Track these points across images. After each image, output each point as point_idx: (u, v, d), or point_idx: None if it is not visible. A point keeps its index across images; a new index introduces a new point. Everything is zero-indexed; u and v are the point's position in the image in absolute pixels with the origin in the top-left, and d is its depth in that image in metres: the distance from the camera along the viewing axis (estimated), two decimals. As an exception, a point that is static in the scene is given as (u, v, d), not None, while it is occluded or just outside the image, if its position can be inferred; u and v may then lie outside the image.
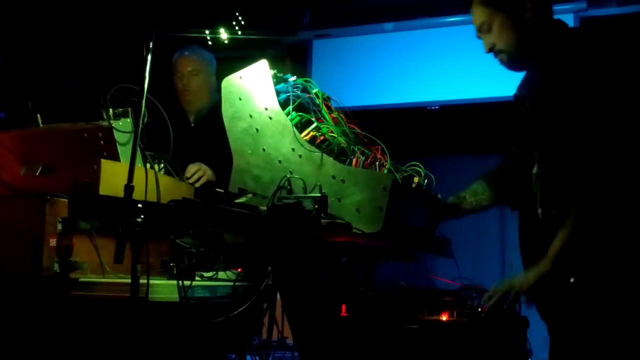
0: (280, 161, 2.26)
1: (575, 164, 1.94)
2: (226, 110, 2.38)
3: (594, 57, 2.03)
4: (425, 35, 5.72)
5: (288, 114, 2.28)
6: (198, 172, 3.14)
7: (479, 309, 2.18)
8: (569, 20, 5.24)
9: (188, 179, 3.05)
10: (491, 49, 2.21)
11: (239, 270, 2.44)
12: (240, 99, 2.36)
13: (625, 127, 1.93)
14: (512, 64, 2.21)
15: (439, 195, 2.48)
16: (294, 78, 2.37)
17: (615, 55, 2.02)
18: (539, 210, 2.05)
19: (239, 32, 5.71)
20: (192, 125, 3.58)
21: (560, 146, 1.98)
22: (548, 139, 2.03)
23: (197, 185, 3.05)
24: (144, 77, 2.03)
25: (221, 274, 2.44)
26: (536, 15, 2.13)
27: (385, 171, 2.20)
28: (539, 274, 2.01)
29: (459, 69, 5.35)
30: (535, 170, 2.08)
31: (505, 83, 2.36)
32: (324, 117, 2.30)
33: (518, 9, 2.13)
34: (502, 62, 2.22)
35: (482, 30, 2.20)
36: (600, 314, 1.95)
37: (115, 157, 2.30)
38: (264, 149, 2.30)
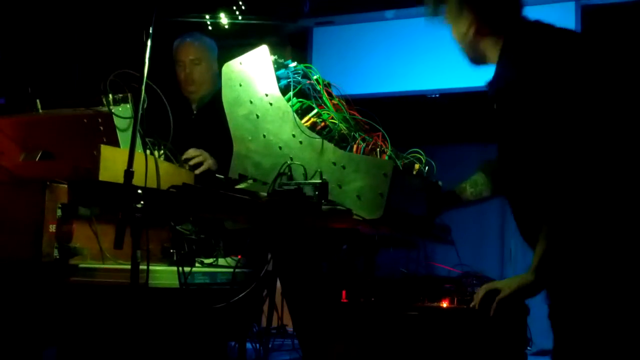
0: (280, 147, 2.26)
1: (538, 176, 1.94)
2: (226, 96, 2.37)
3: (545, 61, 1.97)
4: (426, 24, 5.69)
5: (289, 100, 2.27)
6: (198, 157, 3.11)
7: (475, 296, 2.17)
8: (571, 9, 5.22)
9: (188, 160, 3.03)
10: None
11: (239, 257, 2.44)
12: (240, 85, 2.35)
13: (581, 133, 1.91)
14: (470, 62, 2.24)
15: (440, 183, 2.47)
16: (294, 64, 2.36)
17: (564, 58, 1.96)
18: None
19: (240, 18, 5.68)
20: (194, 112, 3.55)
21: (520, 156, 1.99)
22: (508, 147, 2.06)
23: (196, 172, 3.03)
24: (144, 62, 2.02)
25: (221, 261, 2.44)
26: (482, 30, 2.10)
27: (386, 158, 2.20)
28: (522, 283, 2.02)
29: (459, 57, 5.34)
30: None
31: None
32: (325, 104, 2.29)
33: (465, 26, 2.12)
34: None
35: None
36: (588, 318, 1.96)
37: (115, 143, 2.30)
38: (264, 135, 2.29)
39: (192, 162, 3.04)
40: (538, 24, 2.09)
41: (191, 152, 3.11)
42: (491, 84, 2.12)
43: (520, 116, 1.95)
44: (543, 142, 1.90)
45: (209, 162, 3.14)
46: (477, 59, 2.19)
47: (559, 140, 1.88)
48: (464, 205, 2.53)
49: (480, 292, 2.10)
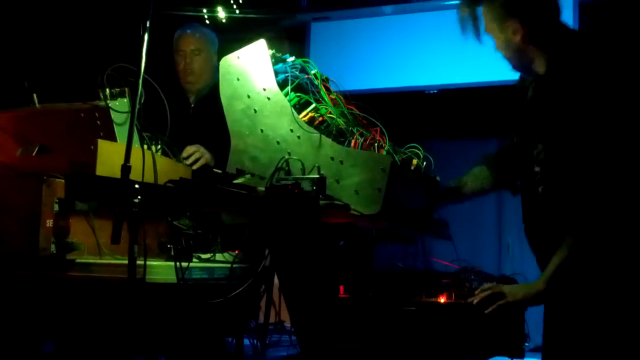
0: (278, 142, 2.25)
1: (571, 185, 1.94)
2: (224, 91, 2.37)
3: (589, 71, 2.02)
4: (424, 19, 5.69)
5: (286, 94, 2.26)
6: (195, 153, 3.10)
7: (476, 292, 2.18)
8: (569, 5, 5.22)
9: (185, 159, 3.02)
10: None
11: (237, 252, 2.44)
12: (238, 79, 2.34)
13: (620, 145, 1.92)
14: (514, 69, 2.25)
15: (438, 178, 2.47)
16: (292, 58, 2.35)
17: (611, 69, 2.01)
18: (540, 189, 2.05)
19: (237, 12, 5.67)
20: (192, 105, 3.54)
21: (557, 160, 2.00)
22: (546, 147, 2.06)
23: (194, 167, 3.03)
24: (141, 56, 2.01)
25: (219, 256, 2.44)
26: (530, 38, 2.12)
27: (384, 153, 2.19)
28: (530, 292, 2.04)
29: (457, 52, 5.33)
30: (536, 169, 2.09)
31: (504, 67, 2.36)
32: (323, 98, 2.29)
33: (510, 32, 2.13)
34: None
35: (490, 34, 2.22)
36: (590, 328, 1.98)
37: (112, 137, 2.29)
38: (262, 130, 2.28)
39: (189, 161, 3.04)
40: (579, 32, 2.12)
41: (188, 149, 3.10)
42: (536, 88, 2.13)
43: (579, 122, 1.96)
44: (591, 153, 1.92)
45: (206, 157, 3.13)
46: (523, 65, 2.20)
47: (607, 154, 1.90)
48: (464, 200, 2.54)
49: (483, 291, 2.10)
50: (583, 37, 2.20)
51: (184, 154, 3.04)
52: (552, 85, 2.05)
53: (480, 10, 2.20)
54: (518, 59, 2.18)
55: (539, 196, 2.07)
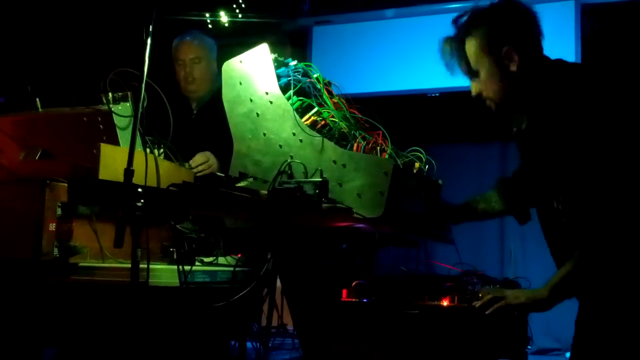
0: (281, 146, 2.25)
1: (582, 207, 1.94)
2: (226, 95, 2.37)
3: (587, 106, 1.95)
4: (426, 22, 5.70)
5: (289, 98, 2.27)
6: (203, 164, 3.11)
7: (480, 295, 2.18)
8: (570, 7, 5.22)
9: (192, 168, 3.03)
10: (478, 95, 2.17)
11: (239, 255, 2.44)
12: (240, 83, 2.34)
13: (626, 172, 1.92)
14: (498, 111, 2.17)
15: (440, 181, 2.47)
16: (294, 62, 2.35)
17: (609, 104, 1.95)
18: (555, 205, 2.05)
19: (240, 17, 5.68)
20: (195, 112, 3.55)
21: (566, 186, 1.99)
22: (553, 177, 2.04)
23: (200, 174, 3.03)
24: (144, 61, 2.02)
25: (221, 259, 2.44)
26: (524, 67, 2.05)
27: (387, 156, 2.19)
28: (532, 298, 2.04)
29: (459, 56, 5.33)
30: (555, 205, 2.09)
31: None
32: (325, 102, 2.29)
33: (504, 60, 2.06)
34: (489, 107, 2.18)
35: (471, 74, 2.16)
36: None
37: (115, 141, 2.29)
38: (264, 134, 2.29)
39: (195, 171, 3.03)
40: (566, 64, 2.08)
41: (198, 159, 3.10)
42: (534, 120, 2.10)
43: (576, 151, 1.93)
44: (594, 178, 1.91)
45: (213, 167, 3.13)
46: (511, 102, 2.12)
47: (608, 179, 1.90)
48: (473, 219, 2.55)
49: (486, 295, 2.10)
50: (577, 69, 2.12)
51: (193, 164, 3.05)
52: (556, 122, 1.99)
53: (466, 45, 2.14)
54: (509, 95, 2.10)
55: (562, 225, 2.06)
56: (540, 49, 2.10)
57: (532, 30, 2.09)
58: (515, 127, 2.20)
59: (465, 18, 2.16)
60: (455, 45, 2.17)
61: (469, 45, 2.13)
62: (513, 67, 2.06)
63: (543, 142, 2.04)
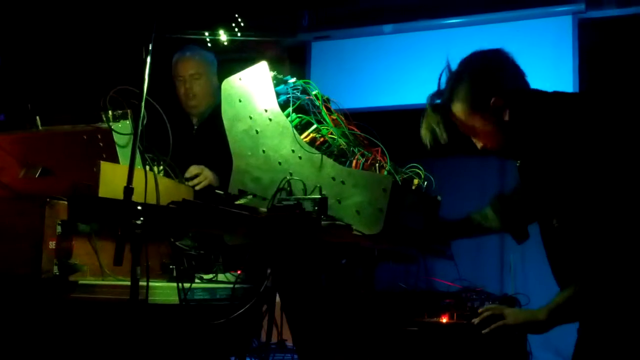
0: (280, 163, 2.26)
1: (581, 238, 1.94)
2: (226, 112, 2.38)
3: (584, 142, 1.94)
4: (424, 38, 5.72)
5: (288, 115, 2.28)
6: (199, 176, 3.11)
7: (479, 311, 2.18)
8: (568, 22, 5.25)
9: (188, 180, 3.03)
10: (484, 148, 2.19)
11: (239, 272, 2.44)
12: (240, 101, 2.35)
13: (625, 206, 1.90)
14: (508, 157, 2.20)
15: (439, 197, 2.48)
16: (293, 80, 2.36)
17: (605, 136, 1.94)
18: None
19: (238, 34, 5.70)
20: (195, 127, 3.55)
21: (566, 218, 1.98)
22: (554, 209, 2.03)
23: (197, 188, 3.03)
24: (144, 79, 2.03)
25: (221, 276, 2.44)
26: (516, 112, 2.05)
27: (385, 173, 2.20)
28: (531, 319, 2.04)
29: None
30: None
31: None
32: (324, 119, 2.30)
33: (496, 112, 2.06)
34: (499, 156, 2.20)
35: (469, 133, 2.18)
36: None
37: (114, 159, 2.30)
38: (263, 151, 2.30)
39: (192, 182, 3.04)
40: (563, 96, 2.08)
41: (192, 170, 3.10)
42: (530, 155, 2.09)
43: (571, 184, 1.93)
44: (590, 210, 1.90)
45: (210, 179, 3.13)
46: (514, 146, 2.11)
47: (604, 210, 1.89)
48: (471, 236, 2.55)
49: (485, 312, 2.10)
50: (573, 100, 2.12)
51: (187, 175, 3.04)
52: (552, 155, 1.98)
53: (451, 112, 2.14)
54: (512, 141, 2.09)
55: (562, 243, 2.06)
56: (526, 85, 2.10)
57: (510, 72, 2.09)
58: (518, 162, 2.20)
59: (443, 87, 2.19)
60: (444, 114, 2.18)
61: (455, 109, 2.14)
62: (506, 117, 2.06)
63: (541, 176, 2.04)
